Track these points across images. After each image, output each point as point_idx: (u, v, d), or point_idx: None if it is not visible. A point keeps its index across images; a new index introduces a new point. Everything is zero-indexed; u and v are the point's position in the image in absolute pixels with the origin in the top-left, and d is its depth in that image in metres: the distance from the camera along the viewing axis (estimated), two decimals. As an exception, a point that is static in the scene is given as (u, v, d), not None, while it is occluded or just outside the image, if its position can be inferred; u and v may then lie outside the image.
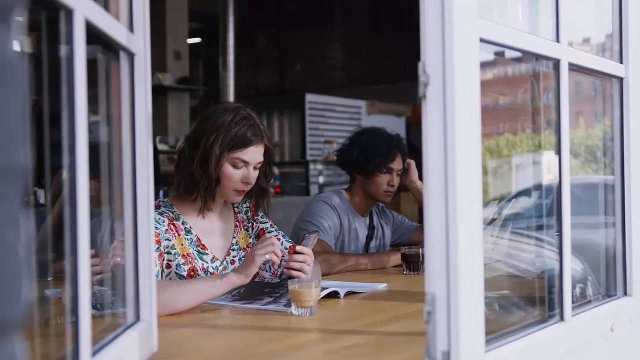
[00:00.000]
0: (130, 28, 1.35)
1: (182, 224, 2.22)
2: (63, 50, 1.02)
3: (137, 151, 1.37)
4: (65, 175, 1.01)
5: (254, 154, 2.21)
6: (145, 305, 1.38)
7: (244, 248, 2.35)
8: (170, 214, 2.20)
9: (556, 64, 1.52)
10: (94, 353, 1.10)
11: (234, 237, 2.34)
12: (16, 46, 0.60)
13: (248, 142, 2.18)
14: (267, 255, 1.98)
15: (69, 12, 0.99)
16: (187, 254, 2.18)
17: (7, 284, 0.58)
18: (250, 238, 2.39)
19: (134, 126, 1.37)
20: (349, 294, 2.18)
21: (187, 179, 2.19)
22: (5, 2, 0.58)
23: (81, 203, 1.01)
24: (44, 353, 1.17)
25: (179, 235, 2.18)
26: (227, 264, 2.28)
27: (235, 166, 2.18)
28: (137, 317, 1.37)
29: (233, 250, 2.32)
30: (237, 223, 2.38)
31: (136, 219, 1.38)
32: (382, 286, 2.35)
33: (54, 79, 1.04)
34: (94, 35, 1.12)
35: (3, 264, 0.57)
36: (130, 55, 1.35)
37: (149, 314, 1.39)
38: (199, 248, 2.22)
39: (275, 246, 2.01)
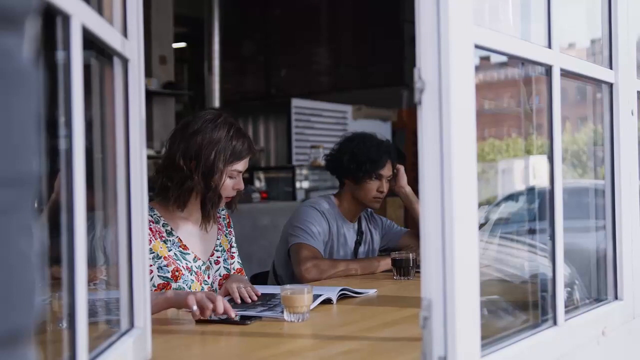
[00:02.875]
0: (125, 34, 1.34)
1: (163, 226, 2.28)
2: (59, 55, 1.01)
3: (131, 157, 1.36)
4: (62, 181, 1.00)
5: (246, 163, 2.34)
6: (139, 312, 1.38)
7: (227, 250, 2.45)
8: (149, 217, 2.22)
9: (548, 69, 1.53)
10: (90, 361, 1.09)
11: (218, 239, 2.43)
12: (29, 53, 0.60)
13: (245, 155, 2.31)
14: (194, 307, 1.81)
15: (66, 18, 0.99)
16: (169, 255, 2.24)
17: (22, 292, 0.57)
18: (228, 243, 2.49)
19: (128, 132, 1.36)
20: (342, 298, 2.18)
21: (187, 192, 2.25)
22: (18, 10, 0.58)
23: (78, 209, 1.01)
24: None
25: (156, 239, 2.24)
26: (210, 263, 2.37)
27: (231, 177, 2.30)
28: (132, 324, 1.36)
29: (217, 250, 2.41)
30: (220, 226, 2.47)
31: (130, 226, 1.37)
32: (372, 292, 2.35)
33: (49, 84, 1.03)
34: (89, 41, 1.11)
35: (17, 272, 0.57)
36: (124, 61, 1.34)
37: (143, 321, 1.38)
38: (180, 249, 2.28)
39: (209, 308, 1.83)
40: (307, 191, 7.42)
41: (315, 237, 2.88)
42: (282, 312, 1.88)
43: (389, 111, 8.61)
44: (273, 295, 2.19)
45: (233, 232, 2.55)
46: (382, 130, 7.39)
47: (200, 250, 2.34)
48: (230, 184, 2.30)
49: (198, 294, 1.85)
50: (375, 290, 2.37)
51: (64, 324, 1.14)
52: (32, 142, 0.59)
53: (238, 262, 2.52)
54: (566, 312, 1.56)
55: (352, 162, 3.00)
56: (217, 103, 8.43)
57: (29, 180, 0.59)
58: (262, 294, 2.21)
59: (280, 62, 10.30)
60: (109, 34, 1.21)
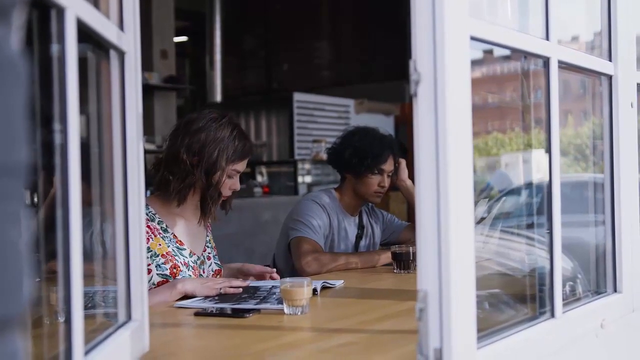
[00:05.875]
0: (121, 26, 1.34)
1: (158, 223, 2.31)
2: (54, 48, 1.01)
3: (127, 151, 1.36)
4: (56, 176, 1.01)
5: (245, 164, 2.39)
6: (136, 304, 1.38)
7: (214, 247, 2.51)
8: (145, 211, 2.24)
9: (546, 61, 1.53)
10: (86, 352, 1.09)
11: (208, 236, 2.48)
12: (16, 44, 0.60)
13: (246, 155, 2.36)
14: (221, 290, 2.14)
15: (61, 11, 0.99)
16: (167, 252, 2.27)
17: (10, 281, 0.58)
18: (214, 241, 2.54)
19: (125, 126, 1.36)
20: (341, 291, 2.20)
21: (188, 187, 2.29)
22: (5, 0, 0.58)
23: (73, 203, 1.01)
24: (35, 353, 1.16)
25: (155, 236, 2.27)
26: (204, 258, 2.42)
27: (229, 176, 2.33)
28: (129, 317, 1.37)
29: (208, 247, 2.46)
30: (208, 225, 2.51)
31: (127, 219, 1.37)
32: (339, 283, 2.38)
33: (43, 77, 1.03)
34: (85, 34, 1.11)
35: (5, 261, 0.57)
36: (121, 54, 1.34)
37: (140, 313, 1.38)
38: (177, 244, 2.32)
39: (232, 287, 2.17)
40: (309, 186, 7.43)
41: (315, 231, 2.88)
42: (278, 303, 1.89)
43: (391, 105, 8.61)
44: (257, 288, 2.21)
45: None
46: (384, 124, 7.39)
47: (194, 246, 2.39)
48: (228, 183, 2.33)
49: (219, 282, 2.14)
50: (343, 281, 2.40)
51: (63, 317, 1.15)
52: (20, 132, 0.60)
53: (216, 263, 2.53)
54: (564, 304, 1.56)
55: (354, 156, 3.00)
56: (218, 98, 8.44)
57: (17, 169, 0.59)
58: (249, 286, 2.23)
59: (281, 57, 10.30)
60: (104, 27, 1.21)
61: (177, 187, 2.27)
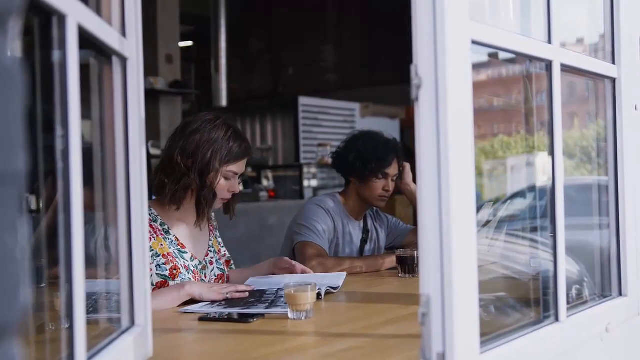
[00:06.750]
0: (123, 33, 1.35)
1: (160, 225, 2.31)
2: (55, 55, 1.02)
3: (130, 156, 1.36)
4: (59, 181, 1.01)
5: (243, 165, 2.37)
6: (140, 310, 1.38)
7: (217, 251, 2.49)
8: (147, 216, 2.25)
9: (548, 65, 1.52)
10: (89, 358, 1.09)
11: (210, 240, 2.47)
12: (13, 52, 0.60)
13: (242, 156, 2.34)
14: (228, 295, 2.13)
15: (62, 18, 0.99)
16: (168, 253, 2.28)
17: (6, 288, 0.58)
18: (219, 245, 2.53)
19: (127, 131, 1.36)
20: (328, 293, 2.22)
21: (183, 190, 2.29)
22: (2, 8, 0.58)
23: (75, 209, 1.01)
24: (38, 359, 1.16)
25: (157, 236, 2.28)
26: (206, 263, 2.41)
27: (226, 178, 2.33)
28: (132, 322, 1.37)
29: (211, 251, 2.46)
30: (211, 228, 2.51)
31: (130, 224, 1.37)
32: (342, 275, 2.42)
33: (45, 84, 1.04)
34: (86, 40, 1.12)
35: (2, 268, 0.57)
36: (123, 60, 1.35)
37: (144, 319, 1.39)
38: (179, 247, 2.32)
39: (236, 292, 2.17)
40: (315, 189, 7.42)
41: (320, 236, 2.88)
42: (284, 306, 1.89)
43: (397, 108, 8.59)
44: (264, 292, 2.21)
45: (219, 235, 2.58)
46: (390, 127, 7.39)
47: (195, 250, 2.38)
48: (225, 185, 2.32)
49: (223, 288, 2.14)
50: (345, 273, 2.43)
51: (68, 323, 1.15)
52: (18, 139, 0.60)
53: (220, 267, 2.52)
54: (569, 308, 1.55)
55: (358, 160, 3.00)
56: (224, 102, 8.43)
57: (14, 176, 0.59)
58: (254, 291, 2.23)
59: (287, 60, 10.29)
60: (106, 34, 1.21)
61: (172, 190, 2.27)
